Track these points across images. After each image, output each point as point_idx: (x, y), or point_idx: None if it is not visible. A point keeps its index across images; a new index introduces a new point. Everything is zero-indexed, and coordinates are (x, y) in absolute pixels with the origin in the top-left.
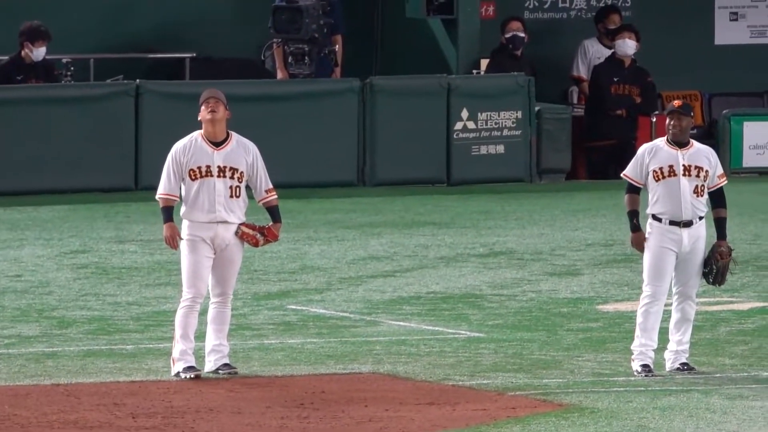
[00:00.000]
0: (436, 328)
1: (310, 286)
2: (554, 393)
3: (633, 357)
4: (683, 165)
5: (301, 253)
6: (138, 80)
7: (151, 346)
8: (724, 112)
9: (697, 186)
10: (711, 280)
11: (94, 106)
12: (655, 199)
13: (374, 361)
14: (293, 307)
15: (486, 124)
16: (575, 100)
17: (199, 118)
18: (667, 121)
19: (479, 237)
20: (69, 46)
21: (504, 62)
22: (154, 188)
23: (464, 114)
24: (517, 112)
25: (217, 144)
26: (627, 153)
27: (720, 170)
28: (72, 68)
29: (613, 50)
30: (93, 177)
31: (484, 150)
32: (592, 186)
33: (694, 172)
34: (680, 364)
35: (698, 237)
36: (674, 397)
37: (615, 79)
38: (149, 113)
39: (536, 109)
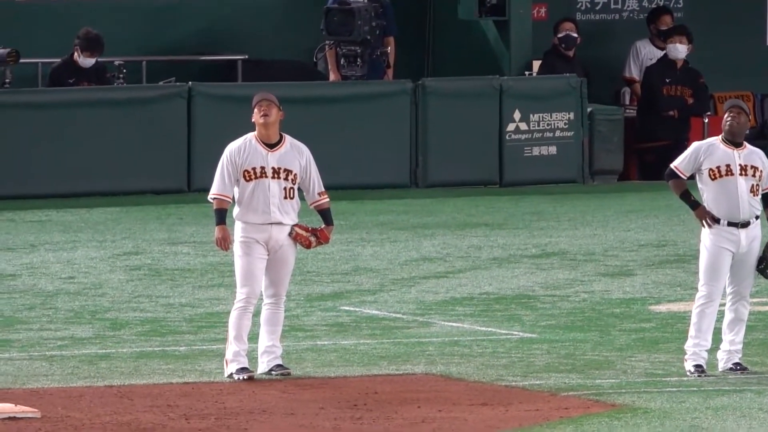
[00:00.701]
0: (489, 329)
1: (363, 287)
2: (607, 393)
3: (686, 357)
4: (740, 164)
5: (354, 254)
6: (190, 82)
7: (204, 347)
8: None
9: (753, 185)
10: (766, 276)
11: (146, 109)
12: (710, 199)
13: (427, 361)
14: (346, 308)
15: (538, 126)
16: (627, 102)
17: (252, 120)
18: (725, 116)
19: (532, 238)
20: (121, 49)
21: (556, 64)
22: (206, 190)
23: (516, 115)
24: (569, 114)
25: (271, 146)
26: (679, 154)
27: None
28: (124, 71)
29: (665, 51)
30: (145, 179)
31: (536, 151)
32: (644, 187)
33: (750, 172)
34: (733, 363)
35: (755, 237)
36: (727, 397)
37: (667, 80)
38: (201, 115)
39: (588, 110)
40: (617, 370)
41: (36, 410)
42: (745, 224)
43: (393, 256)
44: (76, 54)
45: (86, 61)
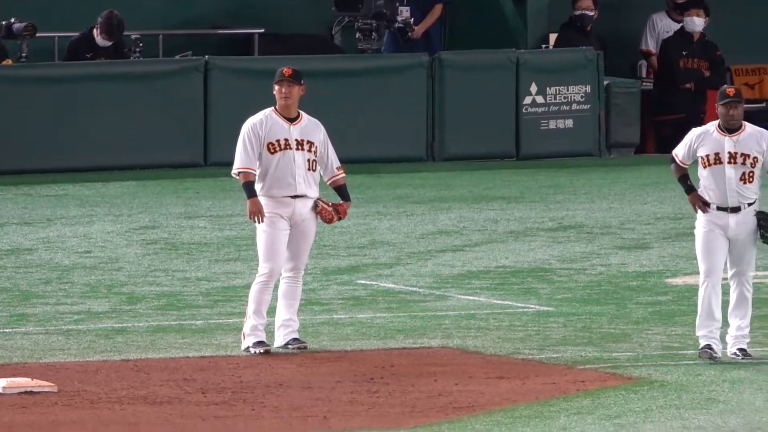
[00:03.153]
0: (506, 302)
1: (379, 260)
2: (623, 366)
3: (699, 339)
4: (729, 152)
5: (370, 228)
6: (207, 56)
7: (220, 321)
8: None
9: (744, 173)
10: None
11: (163, 83)
12: (703, 185)
13: (443, 335)
14: (363, 281)
15: (555, 99)
16: (644, 74)
17: (273, 92)
18: (719, 108)
19: (548, 211)
20: (138, 23)
21: (573, 36)
22: (223, 164)
23: (533, 88)
24: (586, 87)
25: (291, 120)
26: (696, 126)
27: None
28: (141, 44)
29: (681, 24)
30: (162, 153)
31: (552, 124)
32: (660, 160)
33: (740, 160)
34: (738, 349)
35: (746, 222)
36: (744, 370)
37: (684, 53)
38: (218, 89)
39: (605, 83)
40: (634, 343)
41: (52, 384)
42: (735, 209)
43: (409, 229)
44: (95, 31)
45: (104, 42)
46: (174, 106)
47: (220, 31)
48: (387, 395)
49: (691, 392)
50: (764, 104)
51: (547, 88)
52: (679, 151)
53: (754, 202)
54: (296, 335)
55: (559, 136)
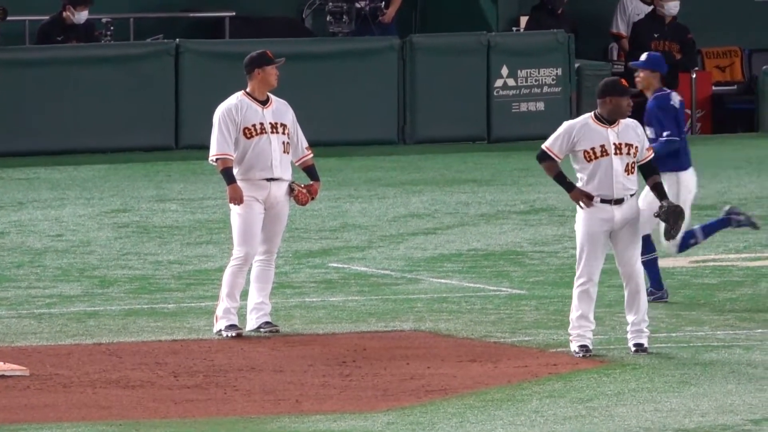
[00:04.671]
0: (477, 285)
1: (351, 243)
2: (596, 349)
3: (571, 338)
4: (614, 144)
5: (342, 211)
6: (178, 39)
7: (192, 304)
8: (764, 68)
9: (628, 164)
10: (667, 237)
11: (134, 66)
12: (586, 179)
13: (416, 318)
14: (334, 265)
15: (526, 82)
16: (615, 57)
17: (257, 78)
18: (618, 101)
19: (520, 194)
20: (109, 6)
21: (543, 19)
22: (194, 147)
23: (504, 71)
24: (557, 69)
25: (263, 103)
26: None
27: (647, 143)
28: (112, 28)
29: (652, 7)
30: (133, 136)
31: (524, 107)
32: None
33: (625, 150)
34: (633, 344)
35: (631, 213)
36: (716, 353)
37: (655, 36)
38: (189, 72)
39: (576, 66)
40: (606, 326)
41: (24, 368)
42: (618, 201)
43: (381, 212)
44: (66, 12)
45: (80, 16)
46: (145, 89)
47: (191, 14)
48: (359, 378)
49: (663, 375)
50: (735, 87)
51: (518, 71)
52: (554, 145)
53: (634, 194)
54: (268, 318)
55: (530, 118)
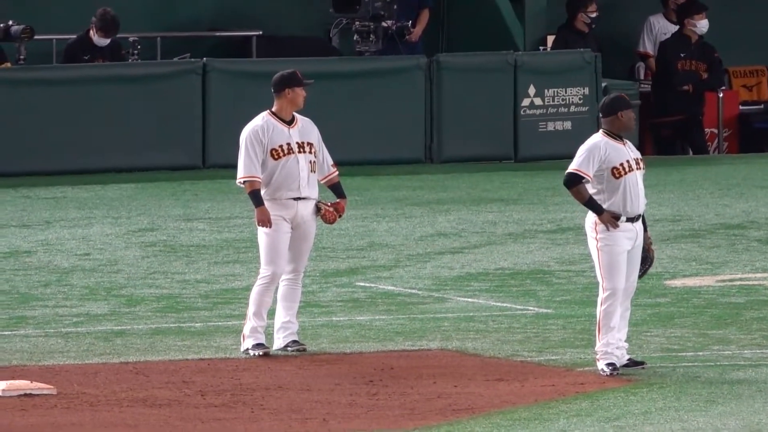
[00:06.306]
0: (505, 305)
1: (378, 263)
2: (623, 368)
3: (598, 357)
4: (634, 159)
5: (369, 230)
6: (204, 59)
7: (219, 323)
8: None
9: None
10: (644, 272)
11: (161, 85)
12: (612, 197)
13: (443, 337)
14: (362, 284)
15: (553, 101)
16: (642, 76)
17: (286, 97)
18: (629, 114)
19: (547, 213)
20: (135, 25)
21: (570, 38)
22: (221, 166)
23: (531, 90)
24: (584, 89)
25: (288, 122)
26: (694, 128)
27: None
28: (139, 47)
29: (679, 26)
30: (160, 155)
31: (551, 126)
32: (659, 162)
33: (641, 165)
34: (627, 359)
35: (641, 232)
36: (743, 371)
37: (682, 55)
38: (216, 91)
39: (603, 85)
40: (633, 345)
41: (52, 387)
42: (638, 217)
43: (408, 231)
44: (91, 32)
45: (101, 41)
46: (172, 109)
47: (218, 33)
48: (386, 397)
49: (690, 394)
50: (762, 106)
51: (545, 90)
52: (583, 166)
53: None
54: (295, 337)
55: (557, 138)
